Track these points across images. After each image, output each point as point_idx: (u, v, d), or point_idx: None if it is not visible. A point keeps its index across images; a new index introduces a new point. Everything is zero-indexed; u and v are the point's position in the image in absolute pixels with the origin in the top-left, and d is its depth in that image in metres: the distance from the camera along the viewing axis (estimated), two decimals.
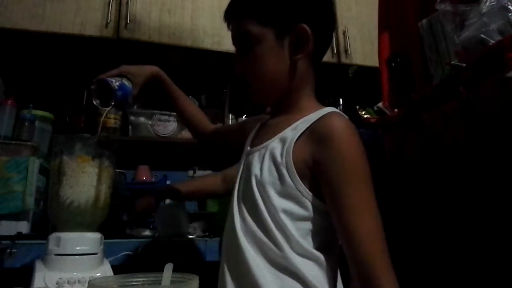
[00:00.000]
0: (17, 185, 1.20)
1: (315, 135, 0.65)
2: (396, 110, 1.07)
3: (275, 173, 0.65)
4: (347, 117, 0.68)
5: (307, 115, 0.69)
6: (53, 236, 0.81)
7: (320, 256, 0.63)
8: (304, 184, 0.64)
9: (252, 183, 0.67)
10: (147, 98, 1.83)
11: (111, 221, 0.99)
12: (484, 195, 0.80)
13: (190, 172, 1.87)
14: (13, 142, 1.34)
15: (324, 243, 0.65)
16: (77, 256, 0.79)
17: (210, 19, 1.67)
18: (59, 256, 0.78)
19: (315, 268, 0.63)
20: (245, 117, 1.90)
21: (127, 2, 1.55)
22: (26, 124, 1.43)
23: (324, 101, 1.73)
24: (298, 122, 0.69)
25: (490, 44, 0.75)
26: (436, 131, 0.90)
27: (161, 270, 0.57)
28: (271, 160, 0.67)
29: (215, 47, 1.64)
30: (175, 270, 0.56)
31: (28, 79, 1.68)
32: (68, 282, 0.75)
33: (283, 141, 0.68)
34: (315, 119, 0.67)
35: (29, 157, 1.26)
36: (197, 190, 1.25)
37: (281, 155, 0.66)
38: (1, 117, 1.41)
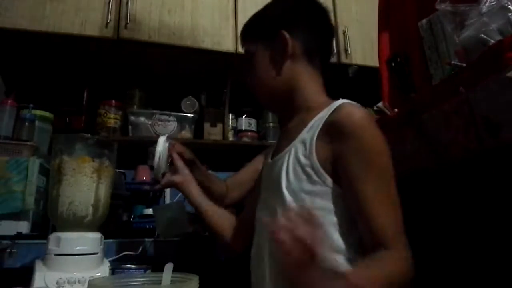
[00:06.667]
0: (17, 185, 1.20)
1: (333, 129, 0.66)
2: (396, 110, 1.06)
3: (303, 175, 0.67)
4: (360, 105, 0.69)
5: (319, 112, 0.71)
6: (53, 236, 0.81)
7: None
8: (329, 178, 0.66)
9: (283, 190, 0.69)
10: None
11: (111, 221, 0.99)
12: (485, 195, 0.80)
13: None
14: (13, 142, 1.34)
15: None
16: (77, 256, 0.80)
17: (210, 19, 1.66)
18: (59, 256, 0.78)
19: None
20: (245, 117, 1.90)
21: (127, 2, 1.54)
22: (26, 124, 1.43)
23: None
24: (312, 121, 0.71)
25: (490, 44, 0.75)
26: (436, 131, 0.90)
27: (161, 270, 0.57)
28: (296, 163, 0.69)
29: (215, 47, 1.64)
30: (175, 270, 0.56)
31: (28, 79, 1.68)
32: (68, 282, 0.75)
33: (303, 142, 0.70)
34: (329, 113, 0.68)
35: (29, 157, 1.26)
36: (213, 180, 1.12)
37: (305, 156, 0.68)
38: (1, 117, 1.41)
